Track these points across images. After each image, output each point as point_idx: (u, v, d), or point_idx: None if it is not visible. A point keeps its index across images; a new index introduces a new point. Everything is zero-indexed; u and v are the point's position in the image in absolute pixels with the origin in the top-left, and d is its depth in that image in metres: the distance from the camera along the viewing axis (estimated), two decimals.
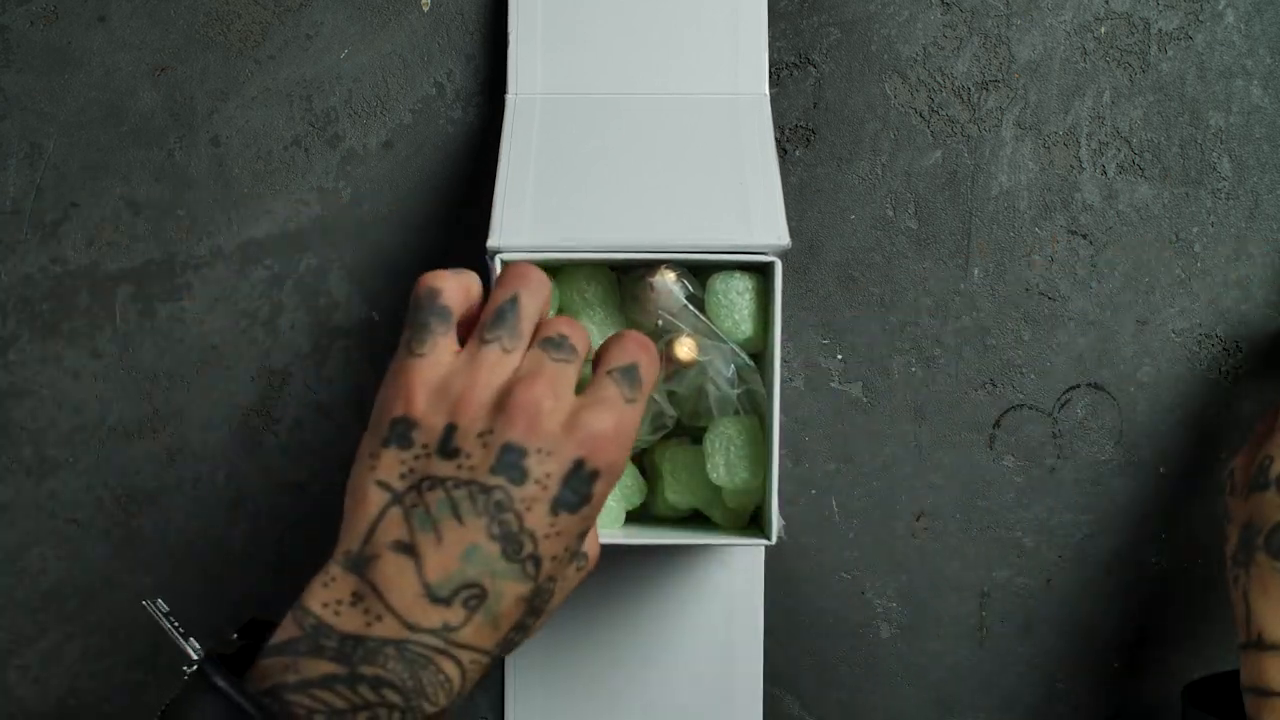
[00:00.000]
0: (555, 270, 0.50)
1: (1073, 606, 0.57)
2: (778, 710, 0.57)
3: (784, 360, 0.56)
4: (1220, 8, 0.56)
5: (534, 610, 0.36)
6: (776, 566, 0.56)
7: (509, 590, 0.35)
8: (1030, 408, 0.57)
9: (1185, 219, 0.56)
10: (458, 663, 0.35)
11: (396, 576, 0.34)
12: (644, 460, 0.53)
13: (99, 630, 0.57)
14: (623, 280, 0.50)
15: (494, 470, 0.35)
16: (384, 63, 0.57)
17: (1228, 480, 0.47)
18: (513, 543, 0.34)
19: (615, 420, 0.36)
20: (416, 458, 0.36)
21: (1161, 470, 0.57)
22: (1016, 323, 0.57)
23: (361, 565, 0.35)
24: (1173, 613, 0.57)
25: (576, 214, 0.47)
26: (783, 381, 0.56)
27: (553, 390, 0.36)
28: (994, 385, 0.57)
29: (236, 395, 0.57)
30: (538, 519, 0.35)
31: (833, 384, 0.57)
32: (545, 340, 0.38)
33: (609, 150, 0.51)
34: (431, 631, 0.34)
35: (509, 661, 0.56)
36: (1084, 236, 0.56)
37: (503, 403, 0.35)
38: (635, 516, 0.52)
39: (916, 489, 0.57)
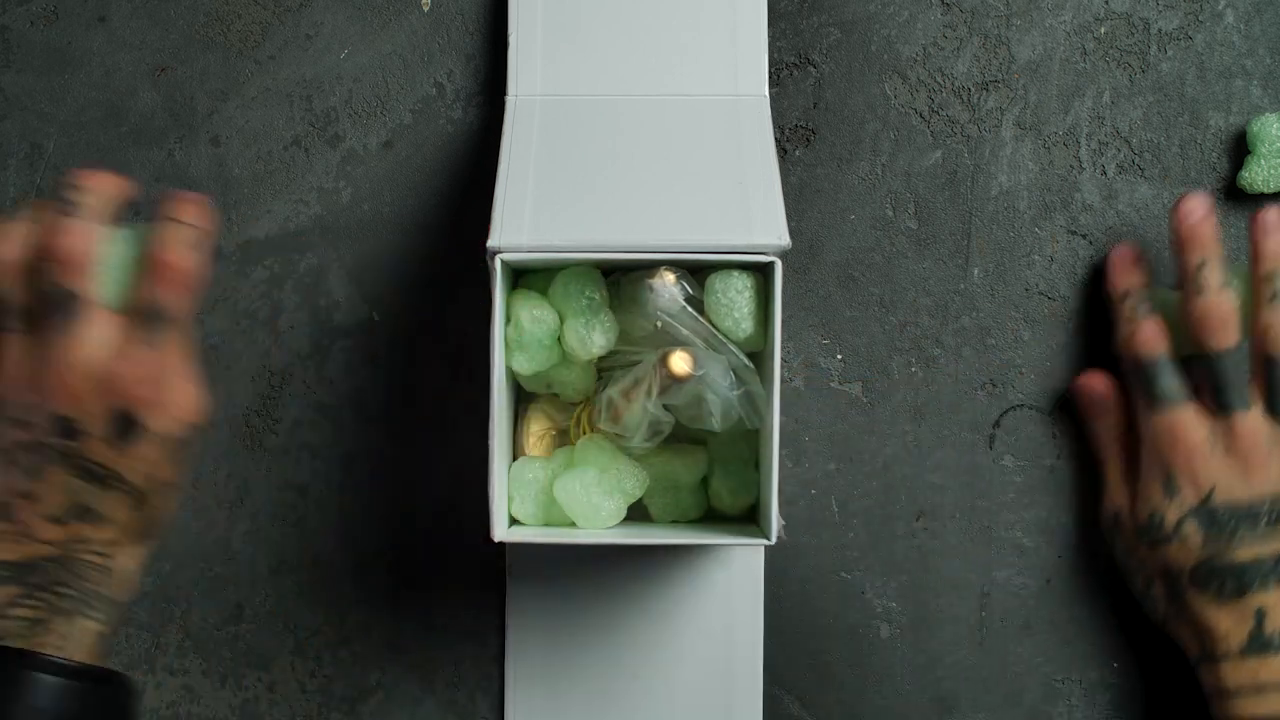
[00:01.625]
0: (554, 270, 0.50)
1: (1073, 606, 0.57)
2: (777, 710, 0.57)
3: (784, 360, 0.56)
4: (1220, 8, 0.56)
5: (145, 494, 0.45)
6: (776, 566, 0.56)
7: (104, 499, 0.44)
8: (1030, 408, 0.57)
9: None
10: (95, 553, 0.44)
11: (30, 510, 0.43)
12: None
13: None
14: (621, 282, 0.50)
15: (55, 434, 0.43)
16: (384, 63, 0.57)
17: (1113, 525, 0.53)
18: (92, 474, 0.43)
19: (129, 369, 0.43)
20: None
21: None
22: (1016, 323, 0.57)
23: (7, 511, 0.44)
24: None
25: (576, 214, 0.47)
26: (782, 381, 0.56)
27: (77, 356, 0.43)
28: (994, 385, 0.57)
29: (236, 395, 0.57)
30: (103, 455, 0.43)
31: (833, 384, 0.57)
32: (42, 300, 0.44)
33: (609, 151, 0.51)
34: (64, 541, 0.43)
35: (508, 663, 0.56)
36: (1084, 237, 0.56)
37: (40, 381, 0.43)
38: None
39: (916, 489, 0.57)
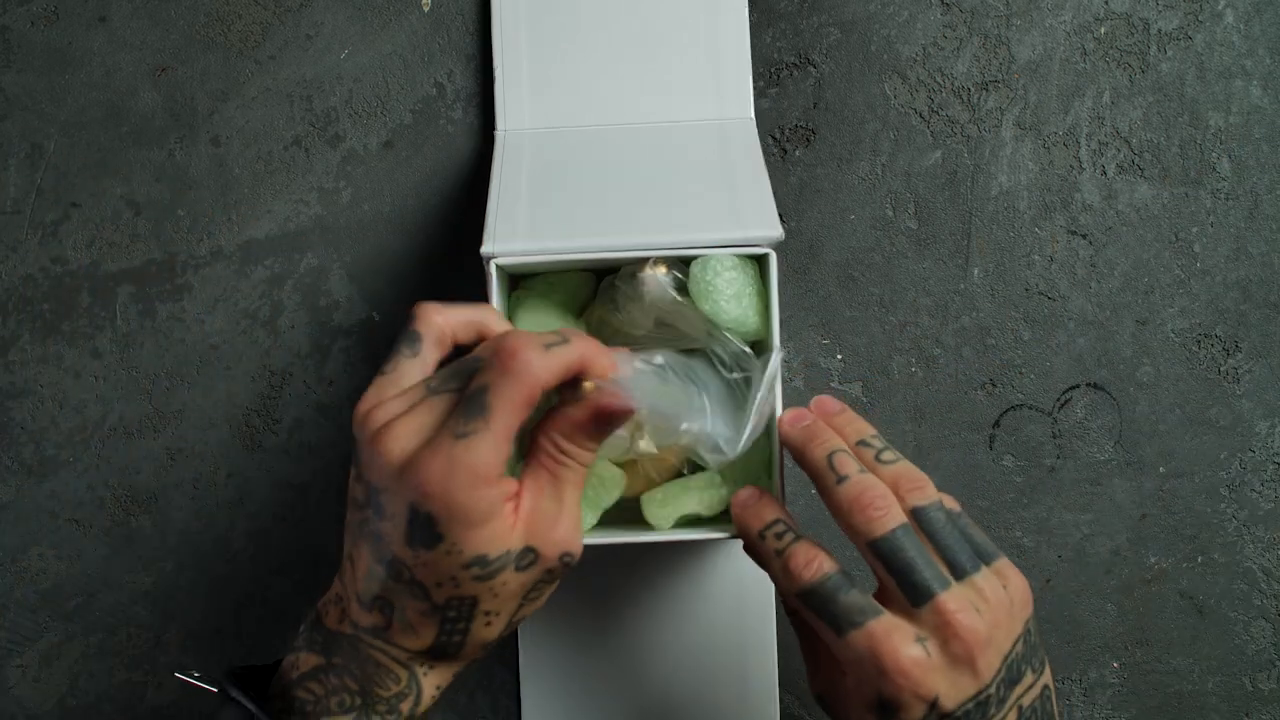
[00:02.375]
0: (553, 276, 0.50)
1: (1072, 606, 0.57)
2: (780, 712, 0.57)
3: (784, 360, 0.56)
4: (1220, 8, 0.56)
5: (458, 619, 0.39)
6: None
7: (409, 605, 0.38)
8: (1030, 408, 0.57)
9: (1185, 219, 0.56)
10: (396, 660, 0.39)
11: (350, 584, 0.40)
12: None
13: (99, 630, 0.57)
14: (616, 283, 0.50)
15: (368, 503, 0.39)
16: (384, 63, 0.57)
17: (822, 705, 0.44)
18: (392, 568, 0.38)
19: (441, 462, 0.36)
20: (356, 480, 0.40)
21: (1161, 470, 0.57)
22: (1016, 323, 0.57)
23: (340, 572, 0.41)
24: (1172, 613, 0.57)
25: (570, 219, 0.47)
26: (783, 382, 0.56)
27: (411, 429, 0.38)
28: (994, 385, 0.57)
29: (236, 395, 0.57)
30: (401, 550, 0.37)
31: (833, 384, 0.57)
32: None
33: (600, 171, 0.51)
34: (369, 630, 0.39)
35: (522, 660, 0.56)
36: (1084, 236, 0.56)
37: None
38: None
39: None
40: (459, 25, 0.57)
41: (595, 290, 0.52)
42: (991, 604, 0.40)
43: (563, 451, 0.39)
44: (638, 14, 0.55)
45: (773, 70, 0.57)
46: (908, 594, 0.40)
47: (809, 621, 0.42)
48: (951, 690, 0.39)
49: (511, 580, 0.38)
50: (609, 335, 0.49)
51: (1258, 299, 0.56)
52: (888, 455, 0.43)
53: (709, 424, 0.42)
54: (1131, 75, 0.57)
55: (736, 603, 0.56)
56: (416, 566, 0.37)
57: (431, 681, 0.40)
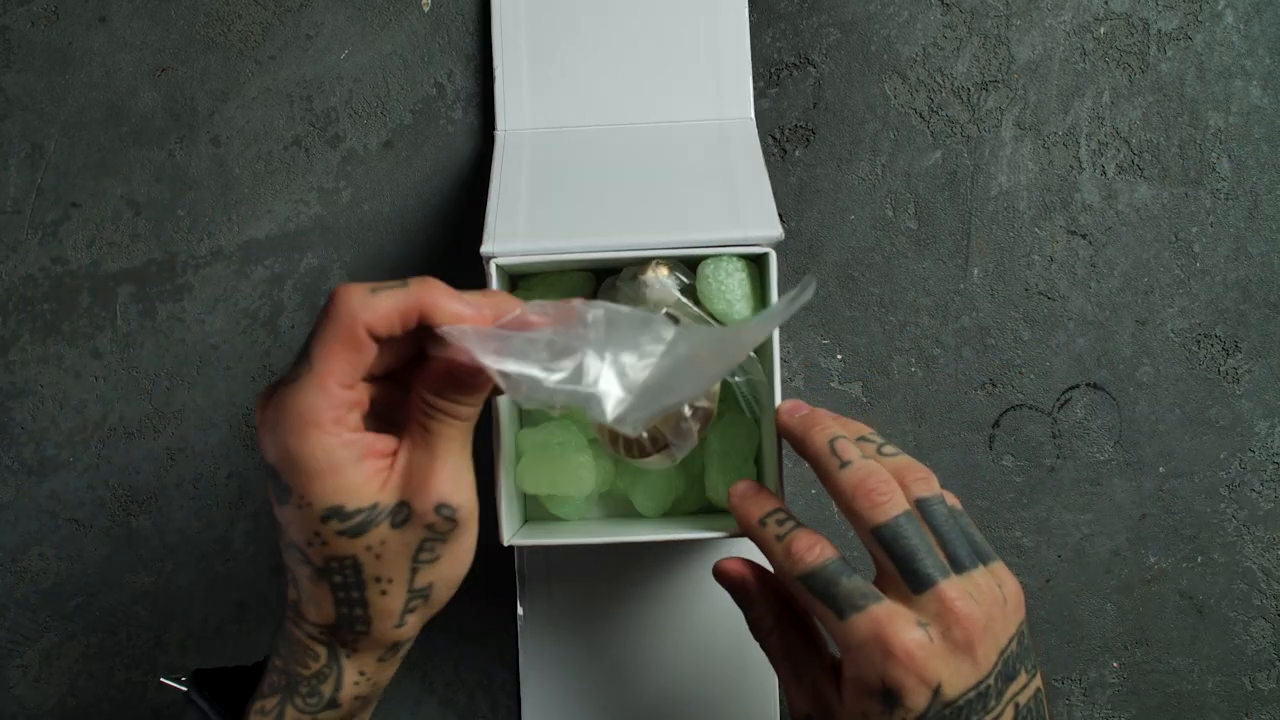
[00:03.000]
0: (552, 275, 0.50)
1: (1072, 606, 0.57)
2: (780, 715, 0.57)
3: (784, 360, 0.56)
4: (1219, 8, 0.56)
5: (348, 585, 0.38)
6: None
7: (300, 573, 0.39)
8: (1030, 408, 0.57)
9: (1184, 219, 0.57)
10: (310, 635, 0.39)
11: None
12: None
13: (99, 630, 0.57)
14: (617, 285, 0.50)
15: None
16: (384, 63, 0.57)
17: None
18: (279, 534, 0.39)
19: (271, 411, 0.37)
20: None
21: (1161, 470, 0.57)
22: (1016, 323, 0.57)
23: None
24: (1172, 613, 0.57)
25: (570, 218, 0.47)
26: (783, 381, 0.56)
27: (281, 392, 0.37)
28: (993, 385, 0.57)
29: (236, 395, 0.57)
30: (275, 512, 0.38)
31: (833, 384, 0.57)
32: None
33: (600, 167, 0.51)
34: (290, 607, 0.40)
35: (521, 660, 0.56)
36: (1083, 237, 0.56)
37: None
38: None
39: None
40: (459, 25, 0.57)
41: (595, 288, 0.52)
42: (988, 599, 0.40)
43: (432, 406, 0.38)
44: (637, 14, 0.55)
45: (773, 70, 0.57)
46: (909, 580, 0.39)
47: (809, 607, 0.41)
48: (954, 678, 0.38)
49: (391, 539, 0.37)
50: None
51: (1257, 299, 0.56)
52: (889, 449, 0.43)
53: (592, 383, 0.37)
54: (1131, 75, 0.57)
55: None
56: (286, 526, 0.38)
57: (354, 666, 0.40)
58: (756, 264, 0.48)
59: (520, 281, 0.51)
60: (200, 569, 0.57)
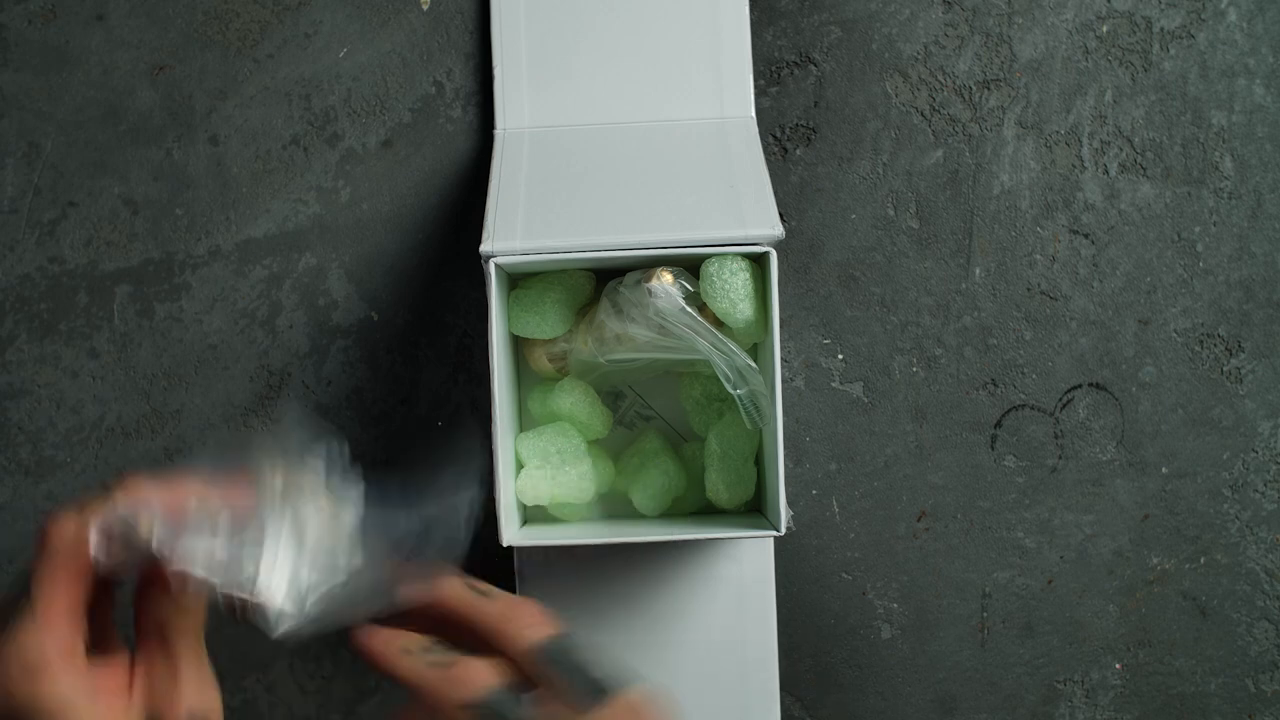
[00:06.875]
0: (550, 274, 0.50)
1: (1073, 607, 0.56)
2: (779, 711, 0.56)
3: (784, 360, 0.56)
4: (1222, 6, 0.56)
5: None
6: (777, 567, 0.56)
7: None
8: (1032, 408, 0.56)
9: (1187, 218, 0.56)
10: None
11: None
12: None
13: None
14: (619, 288, 0.49)
15: None
16: (383, 62, 0.57)
17: None
18: None
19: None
20: None
21: (1164, 470, 0.56)
22: (1018, 322, 0.56)
23: None
24: (1174, 614, 0.57)
25: (570, 217, 0.47)
26: (783, 381, 0.56)
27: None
28: (995, 385, 0.57)
29: (236, 395, 0.57)
30: None
31: (833, 384, 0.57)
32: None
33: (599, 167, 0.51)
34: None
35: None
36: (1086, 236, 0.56)
37: None
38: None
39: (918, 489, 0.56)
40: (458, 24, 0.57)
41: (594, 287, 0.52)
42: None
43: (159, 622, 0.36)
44: (638, 13, 0.55)
45: (773, 69, 0.57)
46: (589, 690, 0.36)
47: None
48: None
49: None
50: (609, 341, 0.49)
51: (1260, 298, 0.56)
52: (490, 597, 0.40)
53: (267, 576, 0.38)
54: (1134, 74, 0.56)
55: (736, 603, 0.56)
56: None
57: None
58: (757, 263, 0.47)
59: (520, 281, 0.51)
60: None
